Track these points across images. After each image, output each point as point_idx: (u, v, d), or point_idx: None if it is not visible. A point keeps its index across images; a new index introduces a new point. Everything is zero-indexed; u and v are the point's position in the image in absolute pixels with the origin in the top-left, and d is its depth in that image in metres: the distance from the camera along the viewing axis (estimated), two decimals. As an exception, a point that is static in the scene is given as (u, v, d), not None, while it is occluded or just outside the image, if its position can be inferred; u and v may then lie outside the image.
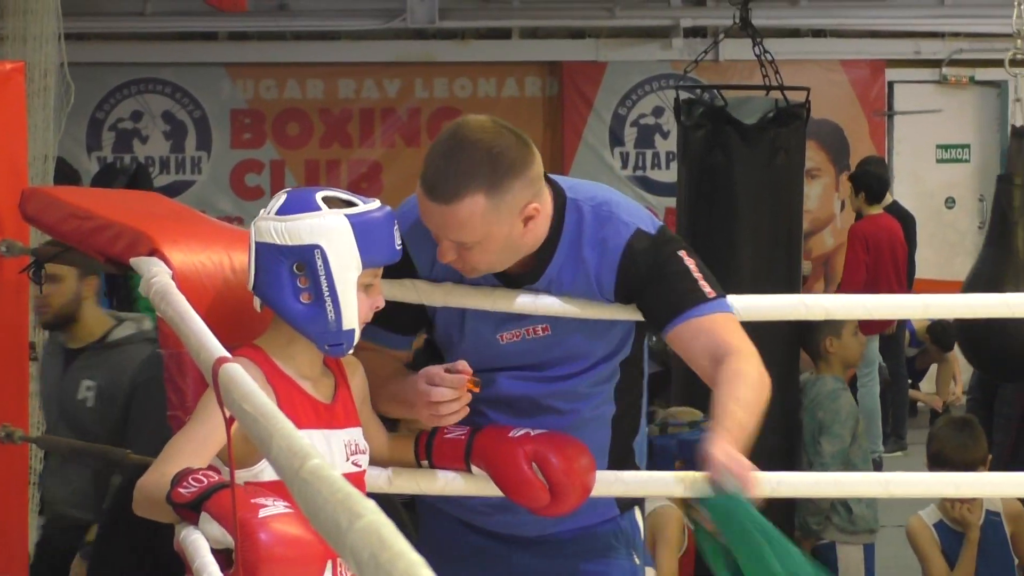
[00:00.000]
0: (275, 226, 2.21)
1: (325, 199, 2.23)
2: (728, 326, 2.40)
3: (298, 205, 2.24)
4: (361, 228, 2.23)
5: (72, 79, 6.37)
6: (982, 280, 5.40)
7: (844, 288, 7.99)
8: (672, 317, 2.39)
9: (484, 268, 2.35)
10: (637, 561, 2.67)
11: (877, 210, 8.12)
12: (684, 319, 2.38)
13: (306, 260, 2.21)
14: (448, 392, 2.33)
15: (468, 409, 2.36)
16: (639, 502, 2.70)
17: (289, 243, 2.21)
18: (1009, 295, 3.69)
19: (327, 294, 2.21)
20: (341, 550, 1.20)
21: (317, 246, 2.21)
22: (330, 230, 2.21)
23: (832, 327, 5.28)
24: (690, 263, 2.42)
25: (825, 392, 5.14)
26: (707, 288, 2.40)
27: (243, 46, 10.32)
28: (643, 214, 2.49)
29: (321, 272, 2.21)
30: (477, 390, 2.35)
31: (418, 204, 2.33)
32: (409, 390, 2.42)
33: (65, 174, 7.66)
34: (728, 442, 2.20)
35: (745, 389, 2.29)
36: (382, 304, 2.28)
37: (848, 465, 5.08)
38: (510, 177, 2.28)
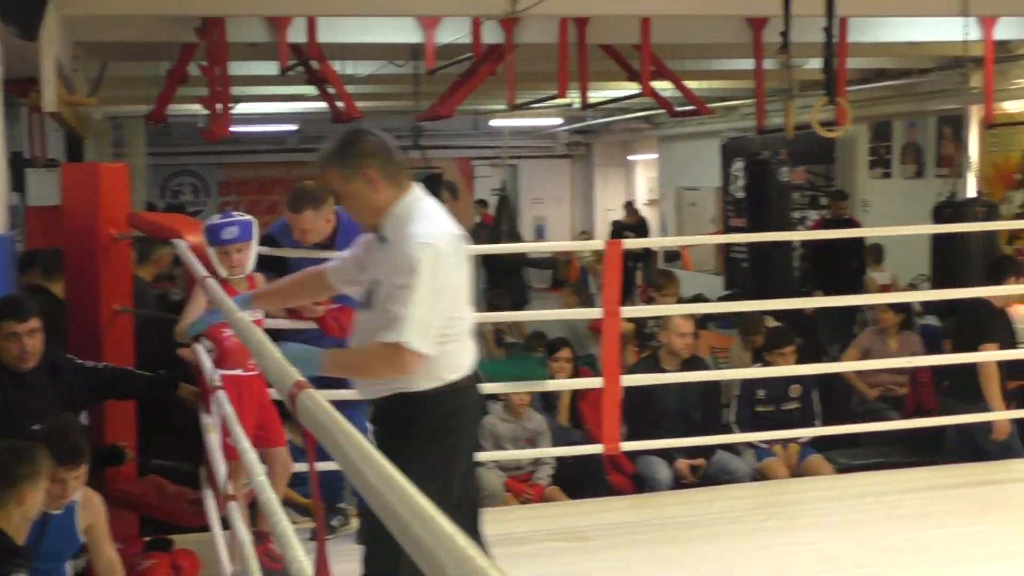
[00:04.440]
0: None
1: (211, 220, 3.43)
2: None
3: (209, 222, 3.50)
4: (206, 231, 3.48)
5: (151, 172, 12.07)
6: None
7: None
8: None
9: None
10: None
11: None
12: None
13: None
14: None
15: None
16: None
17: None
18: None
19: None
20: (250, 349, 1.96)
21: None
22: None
23: None
24: None
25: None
26: None
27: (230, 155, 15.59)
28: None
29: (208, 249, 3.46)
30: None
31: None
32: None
33: (151, 208, 12.07)
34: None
35: None
36: (235, 262, 3.47)
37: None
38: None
